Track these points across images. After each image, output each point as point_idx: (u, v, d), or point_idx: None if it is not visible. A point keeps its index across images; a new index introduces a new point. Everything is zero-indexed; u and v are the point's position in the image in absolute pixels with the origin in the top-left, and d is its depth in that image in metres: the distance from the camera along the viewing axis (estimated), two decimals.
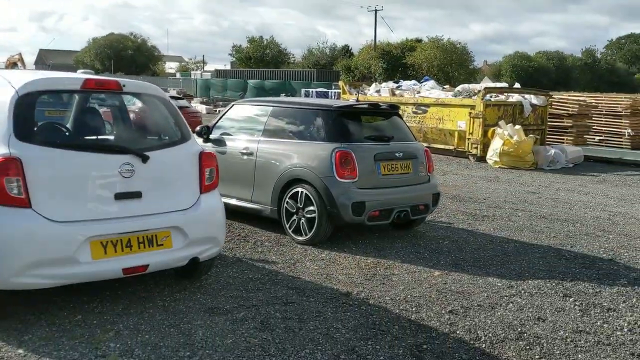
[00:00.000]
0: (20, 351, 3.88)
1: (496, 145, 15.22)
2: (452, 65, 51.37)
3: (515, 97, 17.07)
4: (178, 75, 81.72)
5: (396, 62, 54.03)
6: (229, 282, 5.38)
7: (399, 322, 4.62)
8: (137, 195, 4.47)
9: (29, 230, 4.03)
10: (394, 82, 20.86)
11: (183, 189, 4.79)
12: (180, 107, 17.21)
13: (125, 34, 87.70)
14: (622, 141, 21.05)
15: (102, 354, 3.88)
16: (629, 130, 21.05)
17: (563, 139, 19.18)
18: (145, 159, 4.51)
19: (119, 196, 4.40)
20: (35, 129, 4.35)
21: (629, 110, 21.27)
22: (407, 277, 5.77)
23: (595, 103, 21.50)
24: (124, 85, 4.73)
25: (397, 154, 7.00)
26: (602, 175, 14.59)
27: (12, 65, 45.44)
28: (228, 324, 4.43)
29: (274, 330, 4.35)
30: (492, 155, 15.35)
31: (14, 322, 4.27)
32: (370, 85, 20.94)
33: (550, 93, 18.84)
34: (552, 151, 15.59)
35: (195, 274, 5.24)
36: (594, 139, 21.11)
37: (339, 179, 6.56)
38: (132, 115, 5.37)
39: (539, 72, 78.52)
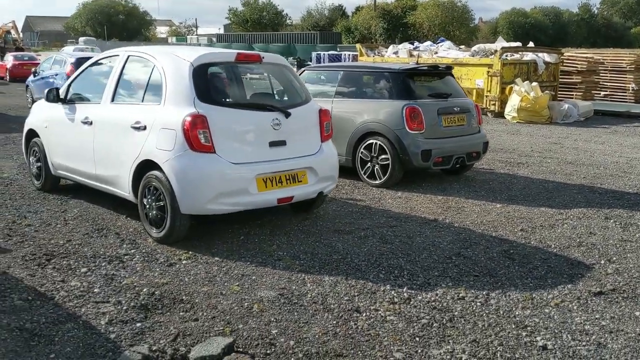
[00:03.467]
0: (217, 258, 5.22)
1: (514, 101, 16.48)
2: (453, 24, 52.16)
3: (529, 56, 18.27)
4: (171, 40, 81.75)
5: (397, 22, 54.75)
6: (337, 213, 6.71)
7: (484, 237, 5.97)
8: (283, 143, 5.76)
9: (218, 169, 5.32)
10: (409, 44, 21.92)
11: (311, 138, 6.07)
12: None
13: None
14: (626, 96, 22.29)
15: (278, 258, 5.23)
16: (633, 85, 22.26)
17: (572, 95, 20.45)
18: (287, 115, 5.79)
19: (272, 144, 5.69)
20: (211, 92, 5.59)
21: (633, 66, 22.42)
22: (475, 208, 7.12)
23: (601, 60, 22.65)
24: (263, 57, 6.00)
25: (455, 109, 8.29)
26: (613, 127, 15.91)
27: (4, 33, 45.73)
28: (356, 239, 5.78)
29: (393, 243, 5.70)
30: (510, 111, 16.63)
31: (200, 241, 5.61)
32: (387, 48, 22.03)
33: (562, 50, 19.98)
34: (566, 106, 16.89)
35: (313, 206, 6.55)
36: (600, 94, 22.36)
37: (409, 130, 7.85)
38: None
39: (536, 29, 79.03)
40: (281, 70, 6.23)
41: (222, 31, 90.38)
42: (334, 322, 4.05)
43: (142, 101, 5.87)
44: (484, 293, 4.57)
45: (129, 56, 6.24)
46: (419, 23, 53.02)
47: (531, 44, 20.14)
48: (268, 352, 3.62)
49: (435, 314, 4.21)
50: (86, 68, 6.82)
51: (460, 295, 4.52)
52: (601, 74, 22.23)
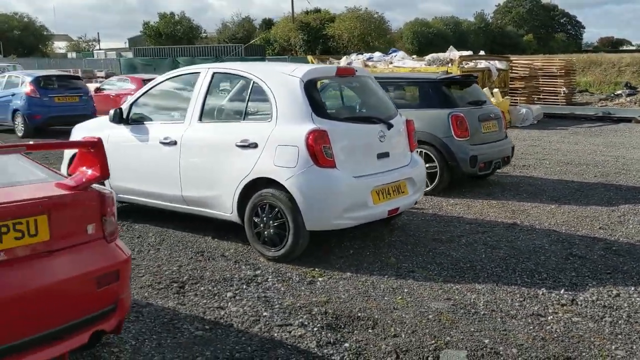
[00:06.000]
0: (349, 273, 5.17)
1: None
2: (372, 35, 53.39)
3: (483, 63, 19.06)
4: (71, 55, 78.37)
5: (316, 34, 55.39)
6: (413, 223, 6.79)
7: (576, 237, 6.23)
8: (387, 155, 5.78)
9: (343, 184, 5.28)
10: (360, 55, 22.32)
11: (403, 149, 6.14)
12: None
13: (7, 13, 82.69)
14: (557, 99, 23.71)
15: (409, 270, 5.25)
16: (564, 89, 23.73)
17: (517, 99, 21.52)
18: (390, 126, 5.83)
19: (379, 156, 5.70)
20: (325, 107, 5.53)
21: (563, 71, 23.93)
22: (535, 210, 7.39)
23: (539, 65, 23.98)
24: (356, 71, 6.03)
25: (491, 115, 8.59)
26: (569, 128, 16.88)
27: None
28: (464, 246, 5.89)
29: (502, 248, 5.84)
30: None
31: (310, 258, 5.52)
32: (339, 59, 22.30)
33: (511, 58, 20.98)
34: (524, 110, 17.76)
35: (394, 217, 6.59)
36: (533, 98, 23.64)
37: (456, 138, 8.06)
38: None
39: (439, 38, 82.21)
40: (370, 82, 6.25)
41: (127, 45, 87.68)
42: (530, 327, 4.13)
43: (243, 119, 5.73)
44: (632, 288, 4.79)
45: (214, 73, 6.05)
46: (338, 35, 53.86)
47: (482, 52, 20.99)
48: None
49: (611, 312, 4.38)
50: (152, 87, 6.55)
51: (614, 292, 4.73)
52: (540, 79, 23.55)
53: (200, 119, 5.97)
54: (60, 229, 3.17)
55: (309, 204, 5.20)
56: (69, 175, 3.58)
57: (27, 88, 15.27)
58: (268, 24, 65.96)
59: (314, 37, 54.89)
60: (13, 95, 15.49)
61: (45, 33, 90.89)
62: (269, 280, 5.04)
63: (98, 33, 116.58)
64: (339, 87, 6.21)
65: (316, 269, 5.27)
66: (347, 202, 5.30)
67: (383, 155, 5.74)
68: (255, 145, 5.46)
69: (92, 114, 15.90)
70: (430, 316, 4.30)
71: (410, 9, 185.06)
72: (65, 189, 3.34)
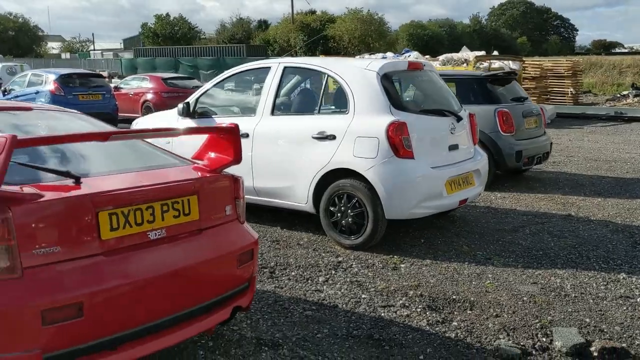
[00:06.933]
0: (428, 260, 5.36)
1: None
2: (372, 36, 53.61)
3: (497, 64, 19.32)
4: (65, 55, 78.08)
5: (317, 35, 55.54)
6: (471, 215, 6.98)
7: (632, 227, 6.44)
8: (456, 147, 5.98)
9: (422, 174, 5.47)
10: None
11: (468, 141, 6.33)
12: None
13: (2, 14, 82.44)
14: (565, 99, 24.01)
15: (486, 257, 5.44)
16: (572, 89, 24.05)
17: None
18: (459, 119, 6.02)
19: (450, 148, 5.90)
20: (401, 100, 5.72)
21: (570, 72, 24.26)
22: (585, 203, 7.60)
23: (549, 67, 24.28)
24: (424, 65, 6.22)
25: (532, 111, 8.80)
26: (584, 127, 17.13)
27: None
28: (530, 236, 6.09)
29: (567, 238, 6.04)
30: None
31: (387, 246, 5.70)
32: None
33: (523, 59, 21.25)
34: None
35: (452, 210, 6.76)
36: (543, 98, 23.93)
37: (502, 133, 8.26)
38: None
39: (434, 40, 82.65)
40: (436, 77, 6.44)
41: (121, 46, 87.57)
42: (623, 308, 4.34)
43: (318, 112, 5.90)
44: None
45: (285, 67, 6.22)
46: (339, 36, 54.05)
47: (495, 53, 21.25)
48: (622, 341, 3.85)
49: None
50: (219, 82, 6.70)
51: None
52: (549, 80, 23.85)
53: (272, 112, 6.13)
54: (206, 209, 3.34)
55: (389, 193, 5.38)
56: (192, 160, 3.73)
57: (51, 86, 15.36)
58: (263, 25, 66.11)
59: (314, 38, 55.01)
60: (37, 93, 15.57)
61: (39, 34, 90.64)
62: (353, 266, 5.22)
63: (93, 34, 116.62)
64: (409, 81, 6.39)
65: (395, 256, 5.45)
66: (425, 192, 5.49)
67: (453, 147, 5.93)
68: (333, 137, 5.63)
69: (113, 112, 16.06)
70: (524, 298, 4.48)
71: (403, 12, 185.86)
72: (205, 172, 3.51)
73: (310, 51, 54.12)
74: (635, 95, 24.85)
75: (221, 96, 6.74)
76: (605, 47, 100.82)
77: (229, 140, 3.58)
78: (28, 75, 16.64)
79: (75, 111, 4.24)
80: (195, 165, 3.59)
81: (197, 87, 19.02)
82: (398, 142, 5.38)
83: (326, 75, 5.90)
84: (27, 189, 2.69)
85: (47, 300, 2.56)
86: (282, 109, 6.16)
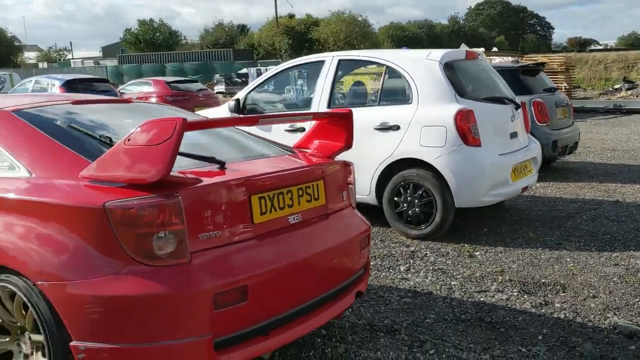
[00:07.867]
0: (500, 248, 5.37)
1: None
2: (357, 37, 53.80)
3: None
4: (42, 65, 77.22)
5: (301, 38, 55.62)
6: (519, 203, 7.02)
7: None
8: (516, 134, 6.01)
9: (491, 162, 5.48)
10: None
11: (523, 130, 6.36)
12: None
13: None
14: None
15: (557, 242, 5.47)
16: (565, 84, 24.33)
17: None
18: (518, 107, 6.05)
19: (511, 135, 5.92)
20: (465, 89, 5.73)
21: (563, 67, 24.56)
22: (626, 189, 7.68)
23: (538, 62, 24.48)
24: (479, 55, 6.25)
25: (563, 102, 8.88)
26: (587, 120, 17.32)
27: None
28: (590, 222, 6.14)
29: (626, 222, 6.09)
30: None
31: (456, 232, 5.71)
32: None
33: (522, 55, 21.46)
34: None
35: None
36: None
37: (538, 123, 8.32)
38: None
39: (414, 41, 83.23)
40: (489, 66, 6.47)
41: (100, 54, 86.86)
42: None
43: (378, 103, 5.89)
44: None
45: (340, 60, 6.20)
46: (324, 38, 54.15)
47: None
48: None
49: None
50: (269, 77, 6.66)
51: None
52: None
53: (328, 105, 6.10)
54: (330, 194, 3.31)
55: (459, 182, 5.38)
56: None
57: (57, 92, 15.16)
58: (243, 30, 66.13)
59: (299, 41, 55.07)
60: None
61: (16, 44, 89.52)
62: (428, 255, 5.21)
63: (71, 42, 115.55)
64: (466, 70, 6.39)
65: (465, 245, 5.45)
66: (493, 179, 5.50)
67: (514, 134, 5.96)
68: (397, 128, 5.62)
69: None
70: (614, 279, 4.51)
71: (379, 14, 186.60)
72: (322, 158, 3.48)
73: (296, 54, 54.16)
74: (628, 89, 25.21)
75: (273, 92, 6.69)
76: (580, 45, 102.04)
77: (341, 126, 3.56)
78: (32, 82, 16.42)
79: (167, 105, 4.19)
80: (312, 152, 3.56)
81: (202, 90, 19.04)
82: (466, 130, 5.39)
83: (385, 67, 5.89)
84: (189, 174, 2.64)
85: (218, 284, 2.52)
86: (339, 102, 6.14)
